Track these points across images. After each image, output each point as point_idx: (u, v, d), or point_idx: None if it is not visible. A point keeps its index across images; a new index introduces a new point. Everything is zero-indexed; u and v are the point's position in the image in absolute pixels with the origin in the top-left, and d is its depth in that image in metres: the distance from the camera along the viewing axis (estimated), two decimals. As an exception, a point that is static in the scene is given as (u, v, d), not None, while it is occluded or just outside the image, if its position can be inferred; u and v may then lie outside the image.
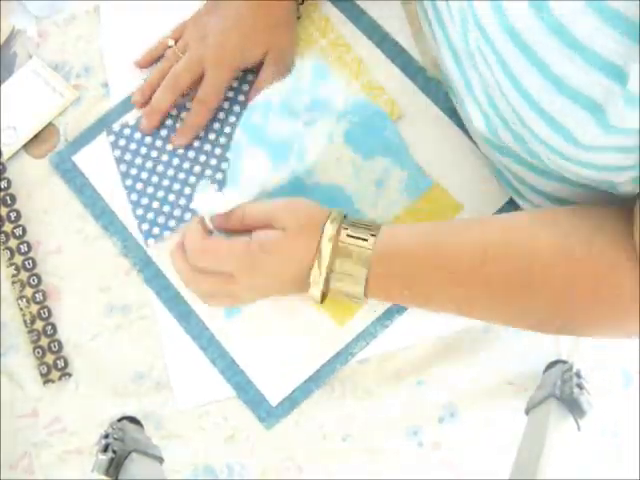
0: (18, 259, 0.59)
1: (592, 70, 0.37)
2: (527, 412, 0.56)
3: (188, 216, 0.60)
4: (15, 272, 0.59)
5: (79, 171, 0.62)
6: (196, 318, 0.59)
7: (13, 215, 0.60)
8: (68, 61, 0.64)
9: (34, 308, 0.59)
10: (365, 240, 0.49)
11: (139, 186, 0.61)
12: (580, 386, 0.54)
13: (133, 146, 0.62)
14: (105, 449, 0.51)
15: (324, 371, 0.58)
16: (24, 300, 0.59)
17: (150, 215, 0.60)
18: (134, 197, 0.61)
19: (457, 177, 0.60)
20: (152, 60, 0.63)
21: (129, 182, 0.61)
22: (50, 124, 0.62)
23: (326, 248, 0.49)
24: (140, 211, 0.60)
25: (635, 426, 0.58)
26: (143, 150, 0.62)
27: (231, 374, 0.58)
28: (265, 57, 0.60)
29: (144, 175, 0.61)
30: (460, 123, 0.61)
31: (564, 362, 0.58)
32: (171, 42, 0.62)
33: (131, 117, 0.63)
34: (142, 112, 0.61)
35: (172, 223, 0.60)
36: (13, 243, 0.59)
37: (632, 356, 0.59)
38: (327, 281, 0.50)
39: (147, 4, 0.64)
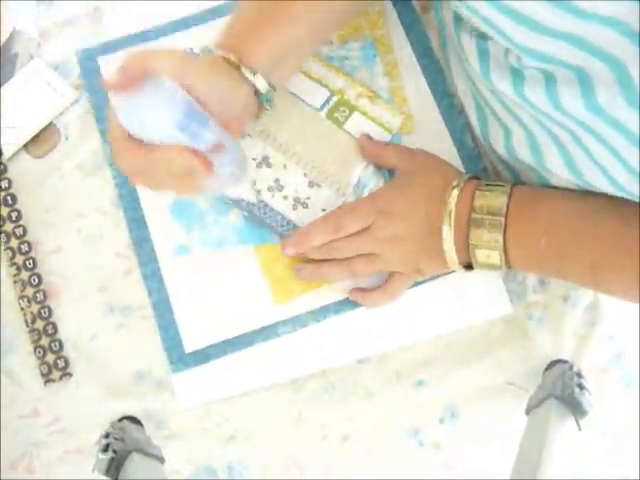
0: (19, 259, 0.59)
1: None
2: (527, 412, 0.56)
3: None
4: (16, 272, 0.59)
5: (99, 72, 0.63)
6: (150, 246, 0.59)
7: (14, 215, 0.60)
8: (69, 61, 0.64)
9: (35, 308, 0.59)
10: (502, 186, 0.51)
11: None
12: (581, 386, 0.54)
13: None
14: (105, 449, 0.51)
15: (244, 339, 0.58)
16: (25, 300, 0.59)
17: None
18: None
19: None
20: None
21: None
22: (51, 124, 0.62)
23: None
24: None
25: (636, 426, 0.58)
26: None
27: (161, 309, 0.58)
28: None
29: None
30: (465, 156, 0.60)
31: (564, 362, 0.58)
32: None
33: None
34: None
35: None
36: (14, 243, 0.60)
37: (633, 356, 0.59)
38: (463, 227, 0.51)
39: (147, 4, 0.64)
